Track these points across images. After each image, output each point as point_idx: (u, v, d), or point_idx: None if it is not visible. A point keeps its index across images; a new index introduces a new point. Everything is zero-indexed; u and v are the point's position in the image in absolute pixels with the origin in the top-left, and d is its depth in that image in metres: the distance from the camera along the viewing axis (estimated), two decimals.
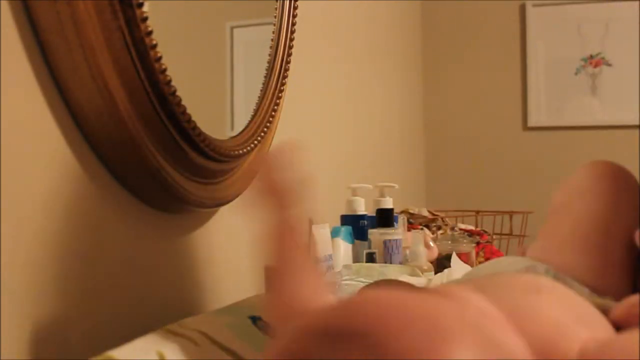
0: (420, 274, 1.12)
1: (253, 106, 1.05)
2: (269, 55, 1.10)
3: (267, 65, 1.09)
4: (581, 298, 0.60)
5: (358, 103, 1.75)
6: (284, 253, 0.65)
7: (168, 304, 0.86)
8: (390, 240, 1.20)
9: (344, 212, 1.35)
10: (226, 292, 1.00)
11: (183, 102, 0.77)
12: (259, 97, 1.06)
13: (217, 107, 1.00)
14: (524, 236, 1.72)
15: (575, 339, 0.49)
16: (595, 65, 2.37)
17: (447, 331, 0.41)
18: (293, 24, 1.14)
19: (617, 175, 0.77)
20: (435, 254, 1.36)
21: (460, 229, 1.62)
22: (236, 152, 0.93)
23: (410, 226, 1.51)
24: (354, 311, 0.44)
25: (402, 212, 1.63)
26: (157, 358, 0.64)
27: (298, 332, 0.45)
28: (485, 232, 1.64)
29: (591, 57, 2.38)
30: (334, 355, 0.41)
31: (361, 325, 0.42)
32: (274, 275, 0.64)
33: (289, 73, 1.14)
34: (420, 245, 1.25)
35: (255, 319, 0.81)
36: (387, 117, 2.06)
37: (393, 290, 0.47)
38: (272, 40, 1.10)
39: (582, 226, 0.75)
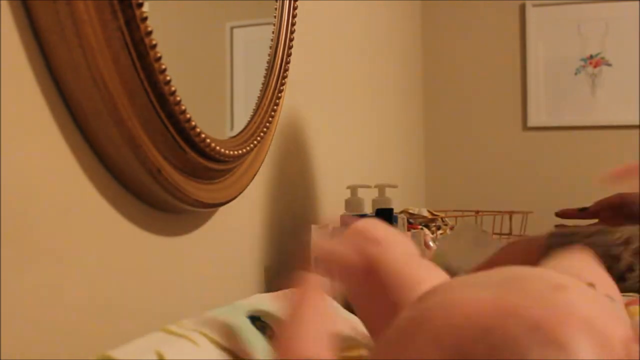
0: None
1: (253, 106, 1.05)
2: (269, 55, 1.10)
3: (266, 65, 1.09)
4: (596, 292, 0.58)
5: (358, 103, 1.75)
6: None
7: (168, 304, 0.86)
8: None
9: (344, 212, 1.35)
10: (226, 292, 1.00)
11: (183, 102, 0.77)
12: (258, 97, 1.06)
13: (217, 107, 1.00)
14: (524, 236, 1.71)
15: (615, 333, 0.49)
16: (595, 65, 2.37)
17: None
18: (293, 24, 1.14)
19: None
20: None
21: None
22: (236, 152, 0.93)
23: (410, 226, 1.51)
24: (563, 319, 0.45)
25: (402, 212, 1.63)
26: (156, 358, 0.64)
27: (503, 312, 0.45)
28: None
29: (591, 57, 2.38)
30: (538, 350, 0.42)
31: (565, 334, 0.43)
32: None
33: (289, 73, 1.14)
34: (420, 245, 1.25)
35: (254, 319, 0.81)
36: (387, 116, 2.06)
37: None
38: (272, 40, 1.10)
39: None
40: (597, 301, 0.53)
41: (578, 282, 0.56)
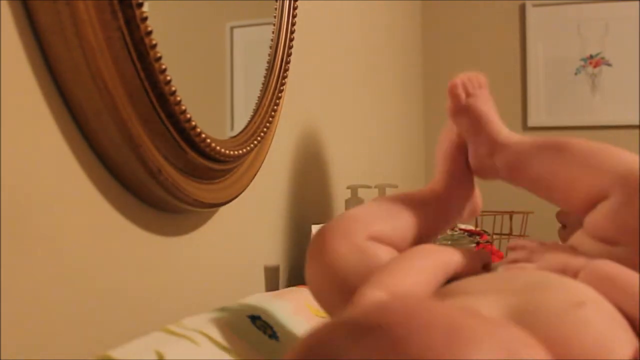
0: None
1: (253, 106, 1.05)
2: (269, 55, 1.10)
3: (267, 65, 1.09)
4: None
5: (358, 102, 1.75)
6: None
7: (168, 304, 0.86)
8: None
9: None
10: (226, 292, 1.00)
11: (183, 102, 0.77)
12: (258, 97, 1.06)
13: (217, 107, 1.00)
14: (524, 236, 1.71)
15: (627, 346, 0.49)
16: (595, 65, 2.37)
17: (467, 334, 0.41)
18: (293, 24, 1.14)
19: None
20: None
21: (460, 229, 1.62)
22: (236, 152, 0.93)
23: None
24: (382, 308, 0.44)
25: None
26: (156, 358, 0.64)
27: (331, 323, 0.44)
28: (485, 232, 1.64)
29: (591, 57, 2.38)
30: (356, 350, 0.40)
31: (384, 320, 0.42)
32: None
33: (289, 73, 1.14)
34: None
35: (254, 319, 0.81)
36: (387, 116, 2.06)
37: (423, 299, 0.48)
38: (272, 40, 1.10)
39: None
40: (613, 319, 0.54)
41: (599, 299, 0.56)
